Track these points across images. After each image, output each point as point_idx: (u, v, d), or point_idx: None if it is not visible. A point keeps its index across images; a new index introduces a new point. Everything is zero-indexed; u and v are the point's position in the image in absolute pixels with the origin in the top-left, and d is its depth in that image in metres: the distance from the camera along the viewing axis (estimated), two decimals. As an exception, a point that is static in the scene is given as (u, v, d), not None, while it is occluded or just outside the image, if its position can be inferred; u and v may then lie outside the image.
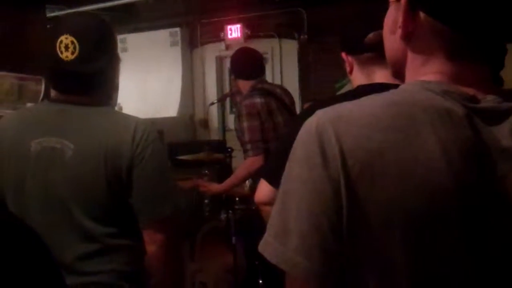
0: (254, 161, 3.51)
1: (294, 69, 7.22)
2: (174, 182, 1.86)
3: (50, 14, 8.12)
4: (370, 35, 1.81)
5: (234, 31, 7.50)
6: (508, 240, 0.89)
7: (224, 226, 4.34)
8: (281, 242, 0.90)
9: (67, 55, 1.72)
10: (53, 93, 1.84)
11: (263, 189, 2.06)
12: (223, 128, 6.72)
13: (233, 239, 4.00)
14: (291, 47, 7.30)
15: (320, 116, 0.93)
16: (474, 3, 0.89)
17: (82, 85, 1.79)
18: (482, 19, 0.90)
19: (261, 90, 3.68)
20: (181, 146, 6.01)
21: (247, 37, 7.44)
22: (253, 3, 7.22)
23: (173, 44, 8.14)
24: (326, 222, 0.87)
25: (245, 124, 3.57)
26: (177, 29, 8.07)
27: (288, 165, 0.95)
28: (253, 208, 3.67)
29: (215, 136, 7.78)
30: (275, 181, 2.00)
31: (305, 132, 0.93)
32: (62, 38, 1.73)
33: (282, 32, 7.29)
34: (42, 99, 3.14)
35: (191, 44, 8.21)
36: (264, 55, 7.64)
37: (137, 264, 1.83)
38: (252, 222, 2.17)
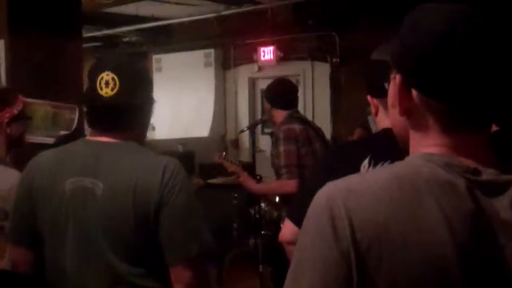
0: (287, 184, 3.54)
1: (326, 92, 7.24)
2: (203, 221, 1.82)
3: (87, 34, 8.31)
4: None
5: (267, 53, 7.56)
6: None
7: (252, 251, 4.35)
8: None
9: (107, 91, 1.76)
10: (90, 131, 1.89)
11: (288, 229, 2.07)
12: (253, 149, 6.76)
13: (260, 267, 4.00)
14: (323, 70, 7.32)
15: (331, 189, 0.97)
16: (463, 78, 0.92)
17: (118, 120, 1.82)
18: (471, 93, 0.93)
19: (298, 119, 3.76)
20: (212, 168, 6.05)
21: (279, 59, 7.49)
22: (286, 26, 7.27)
23: (207, 65, 8.24)
24: None
25: (281, 148, 3.60)
26: (211, 50, 8.17)
27: (300, 236, 0.98)
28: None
29: (245, 156, 7.81)
30: (298, 220, 2.02)
31: (317, 204, 0.97)
32: (103, 75, 1.76)
33: (315, 55, 7.32)
34: (76, 128, 3.22)
35: (225, 65, 8.30)
36: (296, 78, 7.72)
37: None
38: (280, 249, 2.17)
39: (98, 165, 1.79)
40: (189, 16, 7.48)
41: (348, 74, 7.03)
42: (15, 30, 3.40)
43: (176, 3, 6.57)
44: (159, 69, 8.77)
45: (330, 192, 0.97)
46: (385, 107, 1.93)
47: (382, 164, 1.88)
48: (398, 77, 1.00)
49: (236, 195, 5.30)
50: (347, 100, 7.06)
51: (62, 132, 3.26)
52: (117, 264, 1.77)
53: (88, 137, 1.90)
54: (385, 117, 1.93)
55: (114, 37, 8.99)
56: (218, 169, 5.64)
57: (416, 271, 0.89)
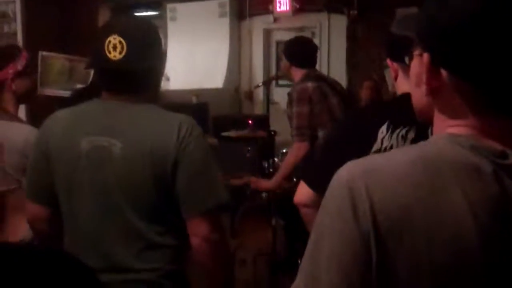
0: (299, 147, 3.59)
1: (342, 46, 7.15)
2: (220, 176, 1.86)
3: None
4: None
5: (282, 4, 7.45)
6: None
7: (264, 205, 4.40)
8: None
9: (115, 55, 1.78)
10: (103, 93, 1.90)
11: (303, 191, 2.08)
12: (268, 101, 6.76)
13: (273, 221, 4.05)
14: (339, 23, 7.21)
15: (351, 169, 0.95)
16: (495, 60, 0.90)
17: (129, 83, 1.86)
18: (503, 76, 0.91)
19: (314, 77, 3.76)
20: (226, 120, 6.06)
21: (295, 10, 7.39)
22: (304, -24, 7.15)
23: (222, 15, 8.14)
24: (356, 275, 0.90)
25: (294, 109, 3.64)
26: (226, 0, 8.07)
27: (319, 214, 0.97)
28: (293, 186, 3.75)
29: (260, 109, 7.81)
30: (314, 185, 2.03)
31: (337, 184, 0.95)
32: (110, 38, 1.78)
33: (331, 7, 7.21)
34: (91, 82, 3.21)
35: (240, 15, 8.20)
36: (312, 30, 7.63)
37: (180, 263, 1.89)
38: (293, 204, 2.19)
39: (114, 125, 1.83)
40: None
41: (366, 27, 6.92)
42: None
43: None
44: (174, 19, 8.69)
45: (350, 172, 0.95)
46: (405, 72, 1.91)
47: (401, 130, 1.87)
48: (425, 55, 0.97)
49: (249, 148, 5.31)
50: (363, 53, 6.97)
51: (79, 85, 3.26)
52: (136, 221, 1.81)
53: (102, 99, 1.91)
54: (404, 82, 1.92)
55: (129, -15, 8.89)
56: (232, 122, 5.66)
57: (439, 256, 0.88)
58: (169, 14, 8.72)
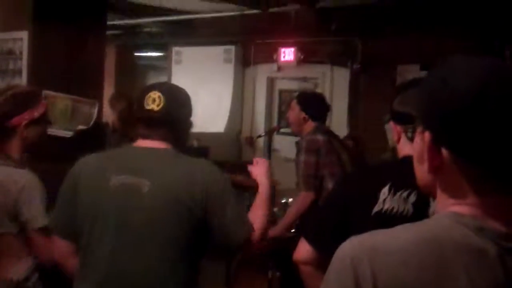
0: (305, 197, 3.66)
1: (344, 98, 7.20)
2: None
3: (110, 22, 8.31)
4: None
5: (287, 54, 7.54)
6: None
7: (261, 255, 4.34)
8: None
9: (153, 107, 2.04)
10: (138, 140, 2.13)
11: (303, 249, 2.06)
12: (269, 149, 6.76)
13: (270, 273, 4.00)
14: (342, 75, 7.29)
15: (356, 247, 0.95)
16: (496, 141, 0.90)
17: (162, 130, 2.09)
18: (504, 156, 0.91)
19: (323, 130, 3.90)
20: (226, 166, 6.04)
21: (299, 61, 7.47)
22: (309, 28, 7.24)
23: (227, 61, 8.22)
24: None
25: (302, 158, 3.74)
26: (232, 47, 8.16)
27: (323, 286, 0.96)
28: (291, 237, 3.72)
29: (260, 156, 7.79)
30: (315, 242, 2.01)
31: (340, 262, 0.94)
32: (151, 93, 2.06)
33: (335, 60, 7.29)
34: (94, 123, 3.22)
35: (244, 62, 8.28)
36: (315, 80, 7.69)
37: None
38: (290, 254, 2.17)
39: (143, 166, 2.04)
40: (212, 11, 7.46)
41: (368, 81, 6.99)
42: (39, 21, 3.40)
43: (201, -1, 6.55)
44: (179, 62, 8.77)
45: (355, 249, 0.94)
46: (408, 136, 1.91)
47: (403, 193, 1.86)
48: (427, 134, 0.97)
49: (248, 195, 5.28)
50: (365, 106, 7.02)
51: (80, 127, 3.26)
52: (155, 254, 1.97)
53: (134, 144, 2.13)
54: (407, 145, 1.92)
55: (136, 26, 8.99)
56: (231, 167, 5.65)
57: None
58: (174, 57, 8.80)
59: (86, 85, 3.54)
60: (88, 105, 3.29)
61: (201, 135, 7.58)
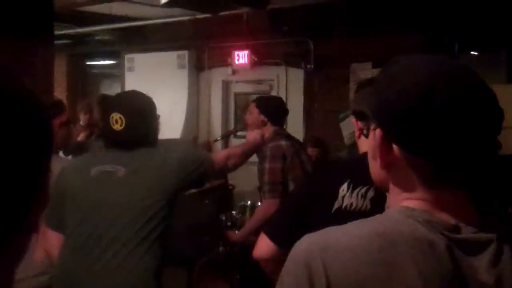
0: (270, 204, 3.62)
1: (299, 98, 7.24)
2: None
3: (59, 32, 8.18)
4: None
5: (241, 57, 7.53)
6: None
7: (222, 259, 4.34)
8: None
9: (117, 127, 2.48)
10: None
11: (263, 245, 2.06)
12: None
13: (231, 276, 4.00)
14: (297, 76, 7.33)
15: (309, 244, 0.98)
16: (442, 136, 0.93)
17: (128, 145, 2.51)
18: (451, 150, 0.94)
19: (284, 135, 3.93)
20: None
21: (254, 63, 7.47)
22: (262, 31, 7.26)
23: (180, 66, 8.16)
24: None
25: (266, 165, 3.73)
26: (185, 52, 8.10)
27: (278, 285, 0.99)
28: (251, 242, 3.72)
29: (217, 160, 7.77)
30: (275, 237, 2.02)
31: (294, 259, 0.98)
32: (113, 115, 2.49)
33: (289, 61, 7.32)
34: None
35: (198, 67, 8.24)
36: (270, 82, 7.72)
37: (159, 277, 2.44)
38: (250, 257, 2.17)
39: (117, 158, 2.49)
40: (163, 17, 7.42)
41: (322, 81, 7.05)
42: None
43: (151, 5, 6.49)
44: (131, 69, 8.67)
45: (308, 247, 0.97)
46: (364, 133, 1.93)
47: (361, 189, 1.89)
48: (378, 131, 1.01)
49: (207, 201, 5.27)
50: (320, 106, 7.08)
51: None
52: (133, 235, 2.35)
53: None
54: (366, 142, 1.94)
55: (86, 35, 8.87)
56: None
57: None
58: (126, 64, 8.70)
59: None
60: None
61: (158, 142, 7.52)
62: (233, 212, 4.66)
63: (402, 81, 0.97)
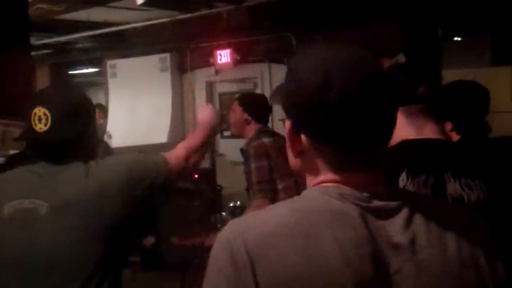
0: (261, 204, 3.54)
1: (284, 94, 7.19)
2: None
3: (39, 42, 8.10)
4: (422, 88, 1.85)
5: (223, 56, 7.48)
6: None
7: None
8: None
9: (40, 127, 1.82)
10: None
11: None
12: (213, 155, 6.70)
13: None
14: (280, 72, 7.25)
15: (232, 228, 1.03)
16: (340, 123, 1.00)
17: (56, 153, 1.88)
18: (352, 137, 1.02)
19: (267, 132, 3.82)
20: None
21: (236, 62, 7.42)
22: (243, 28, 7.21)
23: (163, 69, 8.09)
24: None
25: (252, 165, 3.65)
26: (167, 55, 8.04)
27: (205, 277, 1.01)
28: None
29: (205, 162, 7.71)
30: None
31: (217, 244, 1.01)
32: (36, 110, 1.82)
33: (272, 57, 7.27)
34: (26, 147, 3.10)
35: (181, 69, 8.18)
36: (254, 80, 7.66)
37: None
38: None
39: (38, 187, 1.83)
40: (143, 20, 7.35)
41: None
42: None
43: (129, 9, 6.42)
44: (114, 75, 8.60)
45: (230, 231, 1.01)
46: (409, 115, 1.89)
47: (421, 177, 1.84)
48: (287, 122, 1.09)
49: (196, 203, 5.22)
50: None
51: (12, 151, 3.12)
52: (61, 279, 1.79)
53: (29, 161, 1.92)
54: (408, 126, 1.90)
55: (67, 43, 8.79)
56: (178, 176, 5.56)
57: None
58: (109, 71, 8.62)
59: (16, 107, 3.40)
60: (19, 127, 3.15)
61: (144, 147, 7.45)
62: (223, 213, 4.60)
63: (300, 73, 1.03)
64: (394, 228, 1.01)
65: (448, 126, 2.25)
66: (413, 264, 1.00)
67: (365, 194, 1.02)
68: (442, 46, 6.00)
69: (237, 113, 3.89)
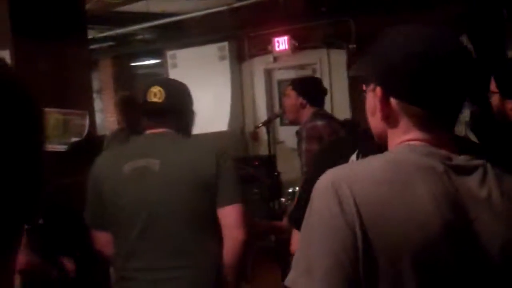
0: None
1: (344, 80, 7.09)
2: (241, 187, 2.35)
3: (100, 35, 8.29)
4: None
5: (281, 43, 7.45)
6: (478, 263, 1.15)
7: (273, 247, 4.32)
8: (308, 277, 1.09)
9: (156, 100, 2.34)
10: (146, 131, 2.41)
11: (297, 240, 2.04)
12: (271, 141, 6.70)
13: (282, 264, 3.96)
14: (339, 58, 7.19)
15: (334, 175, 1.16)
16: (435, 88, 1.17)
17: (165, 119, 2.36)
18: (442, 99, 1.19)
19: (322, 115, 3.82)
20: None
21: (294, 48, 7.38)
22: (300, 14, 7.16)
23: (222, 58, 8.14)
24: (346, 259, 1.08)
25: (303, 147, 3.67)
26: (225, 43, 8.08)
27: (307, 215, 1.15)
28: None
29: (265, 149, 7.72)
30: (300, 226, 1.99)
31: (323, 187, 1.14)
32: (152, 88, 2.36)
33: (330, 43, 7.20)
34: (87, 134, 3.18)
35: (239, 57, 8.20)
36: (313, 66, 7.61)
37: (215, 267, 2.27)
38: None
39: (151, 149, 2.30)
40: (200, 10, 7.40)
41: (365, 60, 6.89)
42: (19, 39, 3.35)
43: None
44: (174, 65, 8.71)
45: (334, 176, 1.15)
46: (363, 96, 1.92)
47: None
48: (378, 89, 1.22)
49: (256, 190, 5.24)
50: (365, 86, 6.93)
51: (74, 139, 3.21)
52: (171, 226, 2.21)
53: (143, 133, 2.41)
54: None
55: (128, 35, 8.94)
56: (238, 164, 5.59)
57: (413, 239, 1.09)
58: (169, 61, 8.73)
59: (75, 99, 3.48)
60: (79, 116, 3.24)
61: (205, 136, 7.52)
62: (282, 199, 4.60)
63: (401, 46, 1.19)
64: (473, 183, 1.16)
65: (510, 104, 2.32)
66: (490, 214, 1.15)
67: (447, 154, 1.18)
68: (508, 28, 5.78)
69: (291, 98, 3.87)
